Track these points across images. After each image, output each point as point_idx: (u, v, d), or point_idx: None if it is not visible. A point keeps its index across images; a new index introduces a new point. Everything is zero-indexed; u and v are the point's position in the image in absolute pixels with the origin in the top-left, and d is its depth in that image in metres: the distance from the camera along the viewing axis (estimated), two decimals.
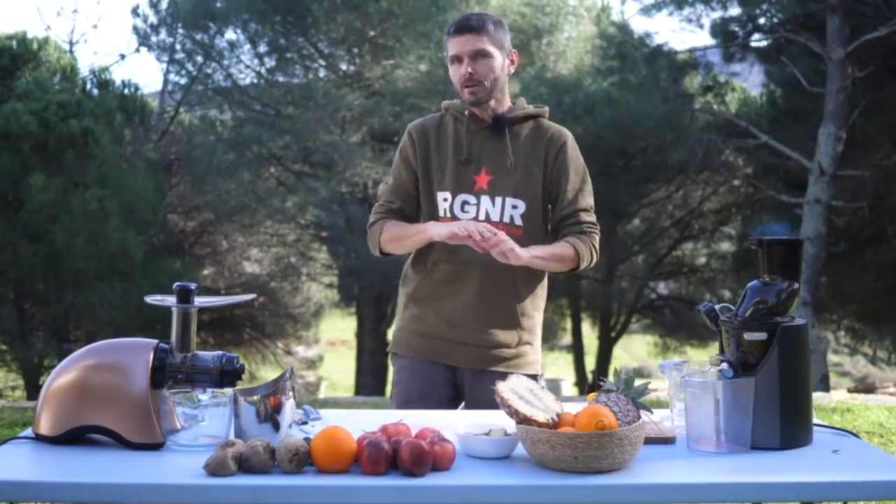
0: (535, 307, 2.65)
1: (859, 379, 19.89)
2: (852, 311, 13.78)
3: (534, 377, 2.57)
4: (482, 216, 2.56)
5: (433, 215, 2.60)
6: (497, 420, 2.02)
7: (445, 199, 2.58)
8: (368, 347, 14.67)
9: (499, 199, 2.56)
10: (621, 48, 13.04)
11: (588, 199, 2.64)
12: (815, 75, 11.35)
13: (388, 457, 1.75)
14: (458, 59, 2.55)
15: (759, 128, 12.00)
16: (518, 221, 2.56)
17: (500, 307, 2.58)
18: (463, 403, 2.68)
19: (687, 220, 14.98)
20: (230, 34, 14.29)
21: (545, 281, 2.68)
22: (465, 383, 2.62)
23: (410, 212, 2.64)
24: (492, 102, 2.58)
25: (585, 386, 15.65)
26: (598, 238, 2.65)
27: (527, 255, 2.41)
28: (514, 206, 2.56)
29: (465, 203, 2.57)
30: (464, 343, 2.58)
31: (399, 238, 2.58)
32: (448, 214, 2.57)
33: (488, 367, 2.58)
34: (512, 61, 2.61)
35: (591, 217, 2.64)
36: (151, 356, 1.95)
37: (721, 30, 12.46)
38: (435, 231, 2.46)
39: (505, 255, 2.36)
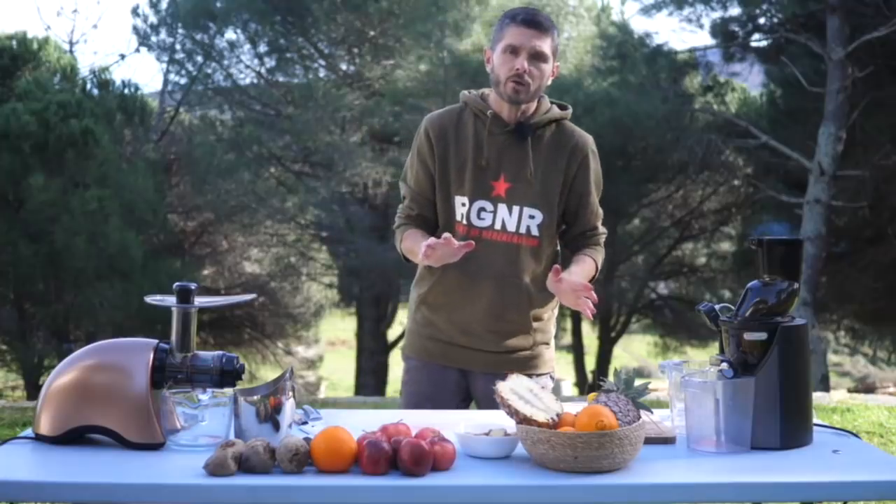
0: (546, 308, 2.58)
1: (859, 379, 19.89)
2: (852, 311, 13.78)
3: (548, 376, 2.58)
4: (498, 225, 2.48)
5: (449, 219, 2.51)
6: (497, 420, 2.02)
7: (463, 204, 2.48)
8: (368, 347, 14.67)
9: (516, 209, 2.47)
10: (621, 48, 13.05)
11: (600, 208, 2.62)
12: (815, 75, 11.35)
13: (388, 457, 1.75)
14: (514, 50, 2.40)
15: (759, 128, 12.00)
16: (535, 232, 2.49)
17: (514, 317, 2.52)
18: (472, 403, 2.65)
19: (687, 220, 14.97)
20: (230, 34, 14.31)
21: None
22: (478, 386, 2.57)
23: (430, 216, 2.55)
24: (523, 105, 2.48)
25: (585, 386, 15.65)
26: (605, 239, 2.64)
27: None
28: (532, 217, 2.48)
29: (481, 210, 2.48)
30: (478, 350, 2.53)
31: (411, 253, 2.49)
32: (464, 220, 2.48)
33: (504, 370, 2.50)
34: (553, 72, 2.50)
35: (602, 223, 2.63)
36: (151, 356, 1.94)
37: (721, 30, 12.47)
38: (428, 261, 2.33)
39: (585, 309, 2.25)
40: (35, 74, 12.48)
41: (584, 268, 2.49)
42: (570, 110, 2.58)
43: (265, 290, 14.58)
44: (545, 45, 2.42)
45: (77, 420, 1.90)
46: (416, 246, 2.42)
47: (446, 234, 2.28)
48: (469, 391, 2.61)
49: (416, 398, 2.57)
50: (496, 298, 2.49)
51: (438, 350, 2.56)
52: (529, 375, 2.48)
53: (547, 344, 2.61)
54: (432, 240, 2.29)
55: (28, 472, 1.80)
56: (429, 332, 2.57)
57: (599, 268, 2.56)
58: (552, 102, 2.58)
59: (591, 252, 2.55)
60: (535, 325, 2.55)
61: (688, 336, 15.46)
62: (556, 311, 2.64)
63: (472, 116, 2.52)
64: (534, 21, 2.41)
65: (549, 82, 2.50)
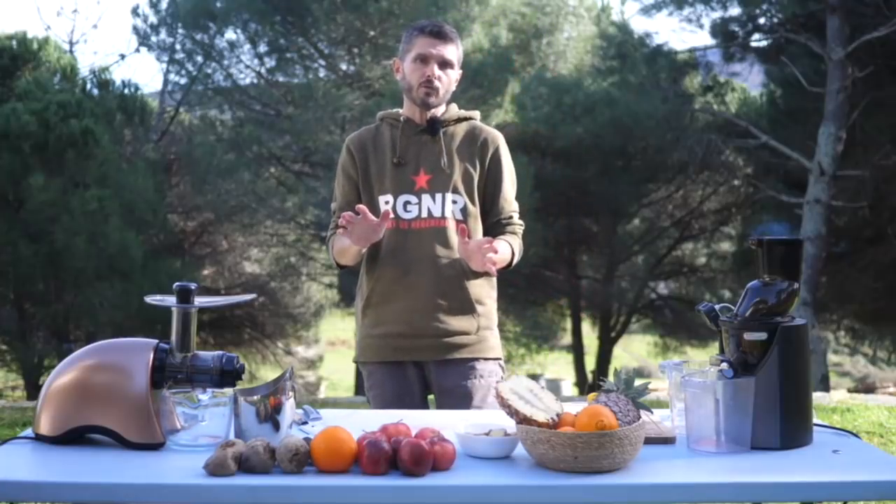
0: (488, 295, 2.72)
1: (859, 379, 19.90)
2: (852, 311, 13.78)
3: (497, 360, 2.71)
4: (424, 213, 2.64)
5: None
6: (497, 420, 2.02)
7: (387, 202, 2.64)
8: None
9: (439, 196, 2.64)
10: (621, 48, 13.05)
11: (515, 201, 2.79)
12: (815, 75, 11.34)
13: (388, 457, 1.75)
14: (424, 59, 2.63)
15: (759, 128, 12.00)
16: (458, 216, 2.65)
17: (454, 296, 2.64)
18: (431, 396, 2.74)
19: (687, 220, 14.98)
20: (230, 34, 14.30)
21: None
22: (432, 375, 2.67)
23: None
24: (433, 109, 2.69)
25: (585, 386, 15.65)
26: (522, 232, 2.77)
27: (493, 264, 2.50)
28: (454, 202, 2.65)
29: (406, 203, 2.65)
30: (424, 336, 2.63)
31: (341, 252, 2.67)
32: (392, 215, 2.60)
33: (452, 356, 2.64)
34: (459, 78, 2.73)
35: (518, 216, 2.78)
36: (151, 356, 1.94)
37: (721, 30, 12.46)
38: (349, 239, 2.49)
39: (488, 264, 2.45)
40: (35, 74, 12.48)
41: (499, 245, 2.59)
42: (478, 113, 2.80)
43: (265, 290, 14.58)
44: (451, 54, 2.66)
45: (77, 420, 1.90)
46: (342, 243, 2.60)
47: (360, 206, 2.43)
48: (427, 383, 2.70)
49: (383, 400, 2.64)
50: (435, 279, 2.62)
51: (390, 346, 2.66)
52: (477, 359, 2.65)
53: (490, 329, 2.72)
54: (347, 213, 2.41)
55: (28, 472, 1.80)
56: (379, 332, 2.67)
57: (516, 253, 2.70)
58: (460, 109, 2.78)
59: (508, 238, 2.70)
60: (478, 308, 2.67)
61: (688, 336, 15.46)
62: (495, 303, 2.76)
63: (388, 126, 2.75)
64: (440, 32, 2.65)
65: (455, 87, 2.73)
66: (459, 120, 2.73)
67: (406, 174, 2.66)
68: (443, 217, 2.64)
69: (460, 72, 2.73)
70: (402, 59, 2.69)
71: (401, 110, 2.75)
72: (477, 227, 2.69)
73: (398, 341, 2.64)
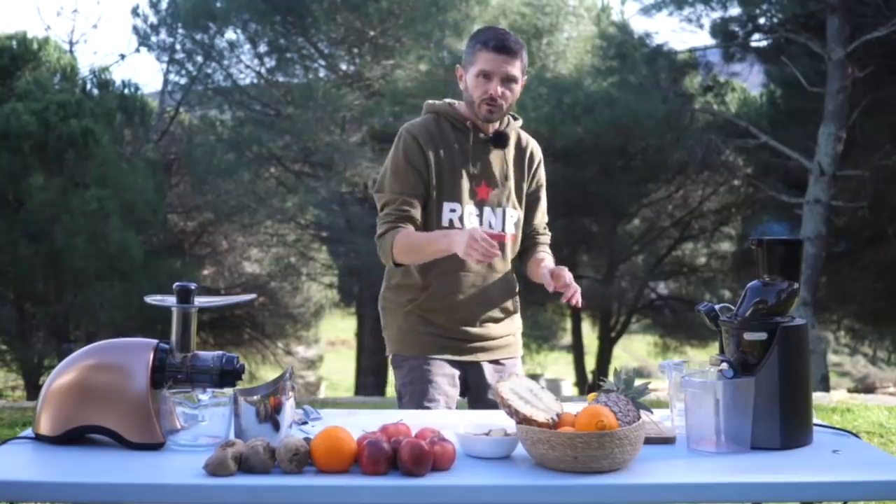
0: (518, 301, 2.80)
1: (859, 379, 19.90)
2: (852, 311, 13.79)
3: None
4: (485, 226, 2.63)
5: (430, 225, 2.59)
6: (497, 420, 2.02)
7: (453, 210, 2.60)
8: (368, 347, 14.67)
9: (499, 210, 2.65)
10: (621, 48, 13.05)
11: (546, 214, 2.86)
12: (815, 75, 11.35)
13: (388, 457, 1.75)
14: (487, 75, 2.54)
15: (759, 128, 12.00)
16: (512, 230, 2.69)
17: (503, 303, 2.69)
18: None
19: (687, 220, 14.98)
20: (230, 34, 14.31)
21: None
22: (476, 376, 2.67)
23: (419, 219, 2.59)
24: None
25: (585, 386, 15.65)
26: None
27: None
28: (511, 216, 2.68)
29: (470, 214, 2.62)
30: (478, 339, 2.66)
31: (415, 250, 2.53)
32: (458, 225, 2.59)
33: (496, 357, 2.70)
34: (523, 85, 2.65)
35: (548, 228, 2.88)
36: (151, 356, 1.94)
37: (721, 30, 12.47)
38: (459, 249, 2.34)
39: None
40: (35, 74, 12.49)
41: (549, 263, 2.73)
42: (520, 120, 2.76)
43: (265, 290, 14.59)
44: (515, 69, 2.56)
45: (77, 420, 1.90)
46: (426, 242, 2.50)
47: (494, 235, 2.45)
48: (466, 382, 2.70)
49: (424, 396, 2.56)
50: (488, 290, 2.66)
51: (440, 345, 2.64)
52: (515, 357, 2.75)
53: (520, 329, 2.80)
54: (478, 231, 2.30)
55: (28, 472, 1.80)
56: (427, 330, 2.64)
57: None
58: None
59: (547, 249, 2.81)
60: (516, 312, 2.76)
61: (688, 336, 15.46)
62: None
63: (450, 126, 2.64)
64: (505, 48, 2.53)
65: (519, 93, 2.66)
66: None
67: (472, 185, 2.62)
68: (503, 232, 2.65)
69: (524, 78, 2.63)
70: (466, 69, 2.60)
71: (458, 108, 2.65)
72: (519, 233, 2.72)
73: (447, 343, 2.63)
